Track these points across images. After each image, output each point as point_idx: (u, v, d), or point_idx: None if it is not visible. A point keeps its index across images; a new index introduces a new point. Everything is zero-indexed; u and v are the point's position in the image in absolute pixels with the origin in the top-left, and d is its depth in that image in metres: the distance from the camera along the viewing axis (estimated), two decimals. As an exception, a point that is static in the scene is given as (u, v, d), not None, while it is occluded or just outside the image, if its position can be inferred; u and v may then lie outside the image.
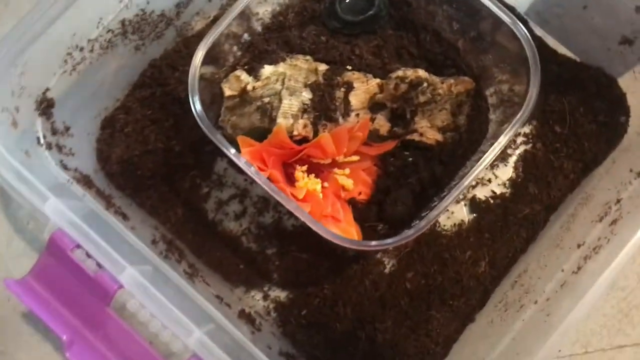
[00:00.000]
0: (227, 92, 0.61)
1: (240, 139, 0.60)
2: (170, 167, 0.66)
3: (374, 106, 0.61)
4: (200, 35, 0.69)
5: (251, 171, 0.56)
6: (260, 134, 0.62)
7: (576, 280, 0.56)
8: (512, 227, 0.66)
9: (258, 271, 0.65)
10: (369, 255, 0.63)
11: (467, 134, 0.64)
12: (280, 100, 0.58)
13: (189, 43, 0.67)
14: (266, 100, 0.59)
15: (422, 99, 0.60)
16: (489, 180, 0.67)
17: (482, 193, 0.67)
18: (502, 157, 0.66)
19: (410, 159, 0.64)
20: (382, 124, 0.62)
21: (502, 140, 0.57)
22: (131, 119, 0.65)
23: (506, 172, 0.67)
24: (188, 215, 0.66)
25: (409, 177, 0.63)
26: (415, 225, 0.55)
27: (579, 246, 0.58)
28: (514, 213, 0.66)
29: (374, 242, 0.55)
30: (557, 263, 0.58)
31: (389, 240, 0.54)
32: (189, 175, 0.67)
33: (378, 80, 0.60)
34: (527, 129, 0.67)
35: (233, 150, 0.56)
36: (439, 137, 0.62)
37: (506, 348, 0.55)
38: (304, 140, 0.62)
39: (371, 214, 0.63)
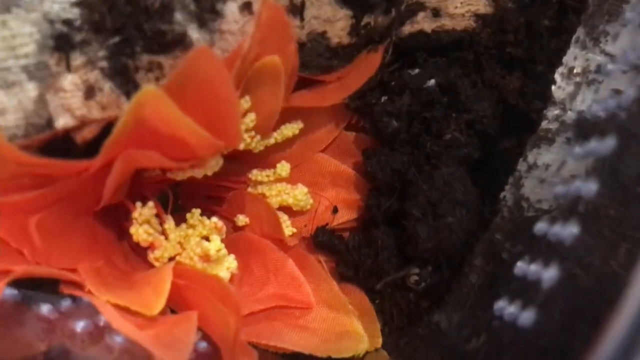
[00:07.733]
0: None
1: None
2: None
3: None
4: None
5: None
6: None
7: None
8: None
9: None
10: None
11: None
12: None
13: None
14: None
15: None
16: (598, 81, 0.29)
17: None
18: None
19: (431, 81, 0.28)
20: (327, 15, 0.24)
21: None
22: None
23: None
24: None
25: (443, 132, 0.28)
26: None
27: None
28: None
29: None
30: None
31: None
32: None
33: None
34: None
35: None
36: (479, 4, 0.28)
37: None
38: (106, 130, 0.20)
39: (380, 252, 0.28)
